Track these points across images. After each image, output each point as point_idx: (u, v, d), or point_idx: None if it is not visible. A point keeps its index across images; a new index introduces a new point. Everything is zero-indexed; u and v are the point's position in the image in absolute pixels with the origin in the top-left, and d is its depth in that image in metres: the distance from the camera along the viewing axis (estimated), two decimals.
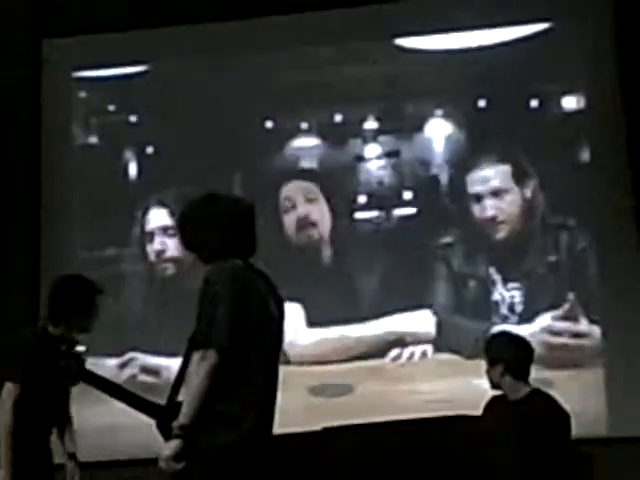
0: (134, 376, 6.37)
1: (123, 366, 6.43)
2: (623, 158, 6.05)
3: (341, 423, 5.17)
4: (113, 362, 6.43)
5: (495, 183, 6.35)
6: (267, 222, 6.09)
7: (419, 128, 6.54)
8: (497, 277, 6.27)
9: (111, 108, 6.91)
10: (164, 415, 3.48)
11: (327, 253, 6.52)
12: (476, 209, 6.36)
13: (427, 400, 5.99)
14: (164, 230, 6.59)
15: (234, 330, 3.35)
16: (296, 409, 5.75)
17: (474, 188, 6.37)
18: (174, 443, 3.30)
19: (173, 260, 6.52)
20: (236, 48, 6.64)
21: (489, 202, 6.33)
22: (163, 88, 6.75)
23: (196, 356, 3.34)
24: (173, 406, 3.47)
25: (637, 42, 5.99)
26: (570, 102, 6.38)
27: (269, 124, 6.69)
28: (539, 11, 6.34)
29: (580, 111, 6.33)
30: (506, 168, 6.35)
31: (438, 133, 6.54)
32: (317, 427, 5.35)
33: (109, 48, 6.78)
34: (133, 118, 6.84)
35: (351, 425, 5.27)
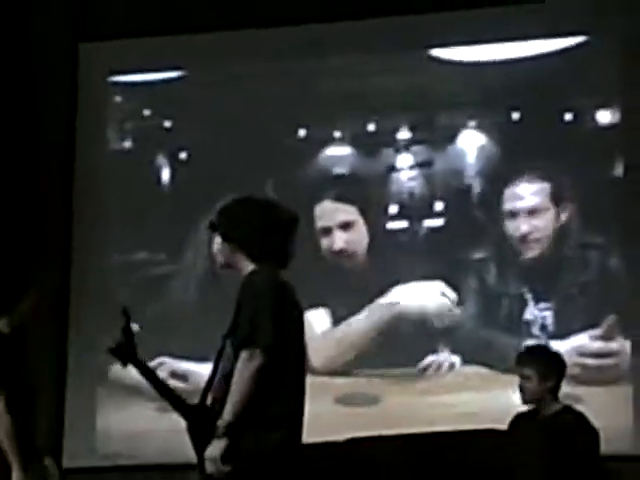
0: (163, 380, 6.38)
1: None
2: None
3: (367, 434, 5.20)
4: None
5: (532, 201, 6.30)
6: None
7: (452, 139, 6.53)
8: (529, 296, 6.23)
9: (146, 113, 6.95)
10: (197, 416, 3.46)
11: (361, 262, 6.52)
12: (510, 226, 6.32)
13: (454, 413, 5.97)
14: None
15: (277, 331, 3.36)
16: (322, 418, 5.76)
17: (510, 204, 6.33)
18: (221, 442, 3.28)
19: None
20: (272, 56, 6.66)
21: (524, 220, 6.28)
22: (198, 94, 6.79)
23: (243, 355, 3.33)
24: (204, 408, 3.46)
25: None
26: (604, 116, 6.35)
27: (302, 132, 6.71)
28: (574, 24, 6.32)
29: (614, 125, 6.30)
30: (545, 186, 6.31)
31: (471, 144, 6.52)
32: (342, 437, 5.39)
33: (145, 53, 6.84)
34: (167, 123, 6.88)
35: (376, 436, 5.29)
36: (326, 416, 5.95)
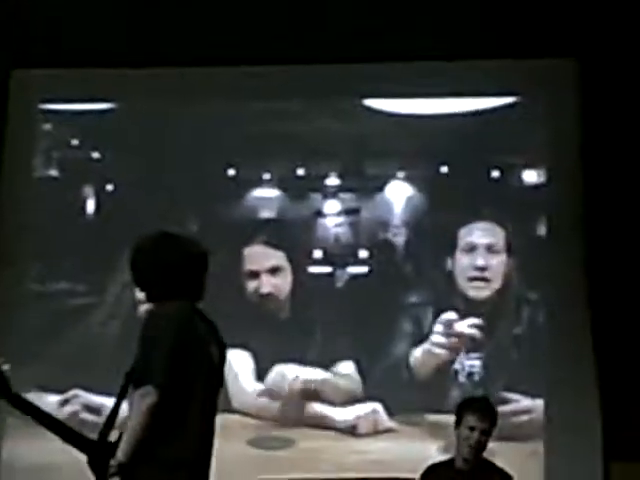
0: (75, 413, 6.29)
1: (65, 403, 6.35)
2: (579, 234, 6.10)
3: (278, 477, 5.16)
4: (55, 398, 6.34)
5: (491, 239, 6.35)
6: (224, 270, 6.09)
7: (380, 188, 6.58)
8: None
9: (74, 143, 6.88)
10: (96, 451, 3.42)
11: (284, 306, 6.50)
12: (464, 261, 6.34)
13: (369, 460, 5.95)
14: None
15: (173, 371, 3.33)
16: (234, 460, 5.71)
17: (469, 238, 6.36)
18: None
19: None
20: (205, 94, 6.65)
21: (482, 254, 6.32)
22: (128, 127, 6.74)
23: (137, 393, 3.32)
24: (104, 443, 3.42)
25: (601, 122, 6.07)
26: (531, 176, 6.44)
27: (231, 172, 6.70)
28: (506, 84, 6.42)
29: (540, 185, 6.39)
30: (500, 231, 6.37)
31: (399, 194, 6.57)
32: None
33: (78, 83, 6.76)
34: (95, 154, 6.82)
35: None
36: (238, 458, 5.90)
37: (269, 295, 6.46)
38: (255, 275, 6.50)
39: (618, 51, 6.06)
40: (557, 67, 6.30)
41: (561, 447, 5.94)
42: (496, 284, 6.30)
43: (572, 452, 5.91)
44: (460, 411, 4.63)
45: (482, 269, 6.31)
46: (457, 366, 6.23)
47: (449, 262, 6.36)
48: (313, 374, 6.27)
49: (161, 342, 3.34)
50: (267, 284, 6.47)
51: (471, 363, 6.20)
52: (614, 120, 6.03)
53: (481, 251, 6.34)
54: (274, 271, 6.50)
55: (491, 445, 4.65)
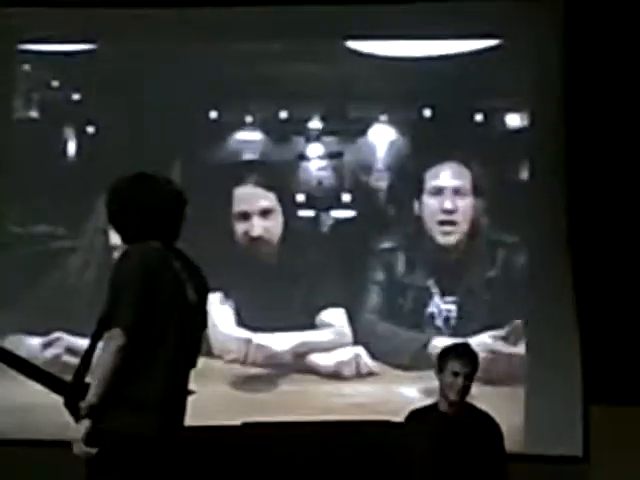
0: (58, 356, 6.30)
1: (47, 345, 6.35)
2: (561, 179, 6.10)
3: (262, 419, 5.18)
4: (37, 341, 6.35)
5: (458, 182, 6.34)
6: (207, 214, 6.09)
7: (363, 132, 6.55)
8: (435, 289, 6.28)
9: (55, 84, 6.81)
10: (71, 393, 3.43)
11: (274, 252, 6.49)
12: (431, 203, 6.32)
13: (352, 403, 5.99)
14: None
15: (141, 312, 3.33)
16: (216, 402, 5.73)
17: (435, 181, 6.34)
18: (83, 424, 3.27)
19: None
20: (187, 36, 6.57)
21: (449, 197, 6.31)
22: (110, 69, 6.67)
23: (105, 336, 3.33)
24: (80, 385, 3.42)
25: (585, 64, 6.04)
26: (514, 119, 6.43)
27: (213, 114, 6.65)
28: (489, 27, 6.37)
29: (523, 129, 6.38)
30: (467, 173, 6.35)
31: (381, 138, 6.54)
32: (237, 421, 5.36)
33: (58, 23, 6.67)
34: (76, 96, 6.74)
35: (271, 422, 5.28)
36: (221, 400, 5.93)
37: (260, 239, 6.42)
38: (246, 217, 6.45)
39: None
40: (541, 9, 6.25)
41: (541, 390, 5.99)
42: (463, 228, 6.30)
43: (552, 395, 5.97)
44: (443, 357, 4.68)
45: (450, 212, 6.29)
46: (433, 309, 6.25)
47: (416, 206, 6.35)
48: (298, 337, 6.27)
49: (128, 284, 3.35)
50: (258, 227, 6.42)
51: (447, 307, 6.23)
52: (599, 64, 5.98)
53: (448, 194, 6.32)
54: (265, 213, 6.44)
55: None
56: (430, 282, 6.29)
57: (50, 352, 6.32)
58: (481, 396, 5.55)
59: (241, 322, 6.35)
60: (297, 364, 6.29)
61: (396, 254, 6.36)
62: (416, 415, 4.72)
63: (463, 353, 4.67)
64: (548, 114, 6.21)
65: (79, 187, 6.58)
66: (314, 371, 6.26)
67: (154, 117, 6.57)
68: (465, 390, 4.61)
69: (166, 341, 3.39)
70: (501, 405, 5.69)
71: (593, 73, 5.99)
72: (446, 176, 6.36)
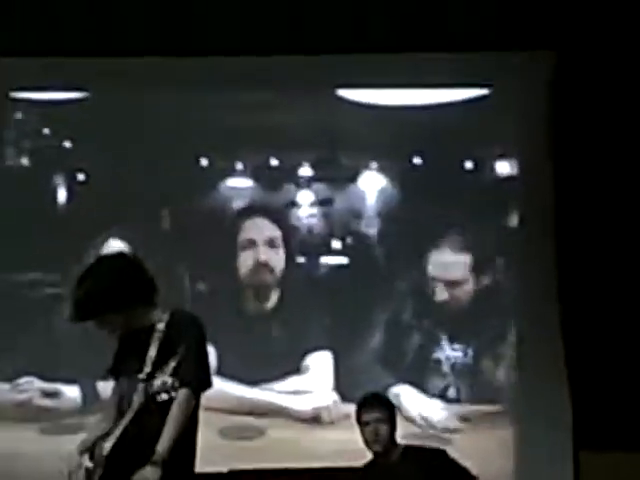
0: (31, 399, 6.31)
1: (18, 389, 6.35)
2: (550, 225, 6.12)
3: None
4: (6, 386, 6.36)
5: (453, 275, 6.39)
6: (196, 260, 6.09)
7: (353, 179, 6.57)
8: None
9: (46, 132, 6.84)
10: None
11: (274, 283, 6.51)
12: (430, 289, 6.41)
13: (340, 449, 5.97)
14: None
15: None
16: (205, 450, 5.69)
17: (434, 272, 6.41)
18: (153, 473, 3.37)
19: None
20: (177, 84, 6.59)
21: (442, 287, 6.38)
22: (100, 117, 6.69)
23: (186, 393, 3.47)
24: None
25: (572, 114, 6.08)
26: (503, 167, 6.46)
27: (204, 162, 6.67)
28: (479, 76, 6.41)
29: (512, 177, 6.41)
30: (466, 259, 6.40)
31: (371, 186, 6.57)
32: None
33: (49, 72, 6.67)
34: (67, 144, 6.77)
35: (257, 469, 5.30)
36: (210, 449, 5.88)
37: (266, 265, 6.48)
38: (253, 244, 6.51)
39: (592, 44, 6.05)
40: (530, 59, 6.29)
41: (532, 435, 5.98)
42: (463, 303, 6.38)
43: (542, 440, 5.94)
44: (356, 413, 4.70)
45: (445, 302, 6.37)
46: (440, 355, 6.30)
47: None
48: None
49: (205, 347, 3.56)
50: (264, 254, 6.48)
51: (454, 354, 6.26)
52: (586, 113, 6.04)
53: (441, 285, 6.39)
54: (271, 243, 6.52)
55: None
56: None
57: (22, 395, 6.32)
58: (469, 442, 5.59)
59: (222, 370, 6.30)
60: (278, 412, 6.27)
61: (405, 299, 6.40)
62: (366, 469, 4.71)
63: (366, 402, 4.69)
64: (537, 162, 6.23)
65: (72, 234, 6.58)
66: (293, 417, 6.24)
67: (144, 165, 6.59)
68: (382, 433, 4.58)
69: None
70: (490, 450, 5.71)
71: (582, 122, 6.04)
72: (441, 268, 6.41)
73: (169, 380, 3.49)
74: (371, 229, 6.55)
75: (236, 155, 6.65)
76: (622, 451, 5.68)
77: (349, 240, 6.54)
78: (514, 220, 6.35)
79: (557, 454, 5.90)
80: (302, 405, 6.27)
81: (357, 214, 6.56)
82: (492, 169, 6.50)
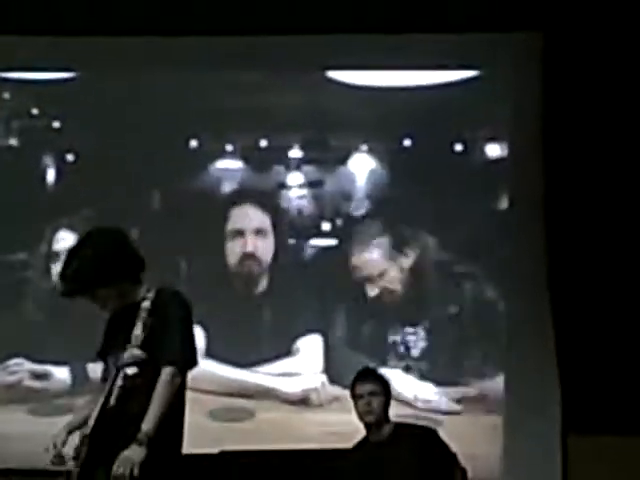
0: (20, 380, 6.31)
1: (7, 370, 6.36)
2: (540, 210, 6.13)
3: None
4: None
5: (376, 268, 6.39)
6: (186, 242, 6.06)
7: (343, 161, 6.56)
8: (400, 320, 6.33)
9: (35, 112, 6.80)
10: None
11: (262, 274, 6.50)
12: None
13: (327, 431, 6.00)
14: None
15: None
16: (194, 431, 5.70)
17: (361, 273, 6.43)
18: (139, 451, 3.32)
19: None
20: (168, 65, 6.57)
21: (373, 283, 6.39)
22: (90, 97, 6.66)
23: (169, 371, 3.41)
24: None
25: (563, 97, 6.08)
26: (493, 149, 6.46)
27: (194, 143, 6.65)
28: (469, 57, 6.40)
29: (502, 159, 6.41)
30: (383, 241, 6.41)
31: (362, 167, 6.56)
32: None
33: (38, 51, 6.63)
34: (56, 124, 6.74)
35: (249, 450, 5.31)
36: (199, 430, 5.89)
37: (253, 255, 6.45)
38: (241, 234, 6.48)
39: (581, 25, 6.05)
40: (520, 41, 6.28)
41: (520, 420, 5.99)
42: (397, 291, 6.39)
43: (530, 424, 5.95)
44: (350, 388, 4.70)
45: (379, 296, 6.39)
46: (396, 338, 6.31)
47: None
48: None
49: (190, 323, 3.52)
50: (251, 244, 6.45)
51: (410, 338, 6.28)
52: (576, 95, 6.04)
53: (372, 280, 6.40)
54: (259, 232, 6.49)
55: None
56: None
57: (12, 377, 6.33)
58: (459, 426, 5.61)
59: (211, 352, 6.31)
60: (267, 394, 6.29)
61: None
62: (355, 449, 4.70)
63: (360, 376, 4.68)
64: (527, 144, 6.23)
65: (59, 215, 6.57)
66: (282, 398, 6.26)
67: (133, 145, 6.57)
68: (374, 406, 4.57)
69: None
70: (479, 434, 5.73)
71: (572, 104, 6.04)
72: (365, 266, 6.42)
73: (138, 352, 3.45)
74: (360, 210, 6.55)
75: (226, 137, 6.62)
76: (610, 435, 5.70)
77: (339, 222, 6.53)
78: (504, 203, 6.35)
79: (545, 438, 5.91)
80: (291, 387, 6.29)
81: (347, 196, 6.55)
82: (482, 152, 6.49)
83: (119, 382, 3.42)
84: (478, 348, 6.23)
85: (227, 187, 6.66)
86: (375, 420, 4.58)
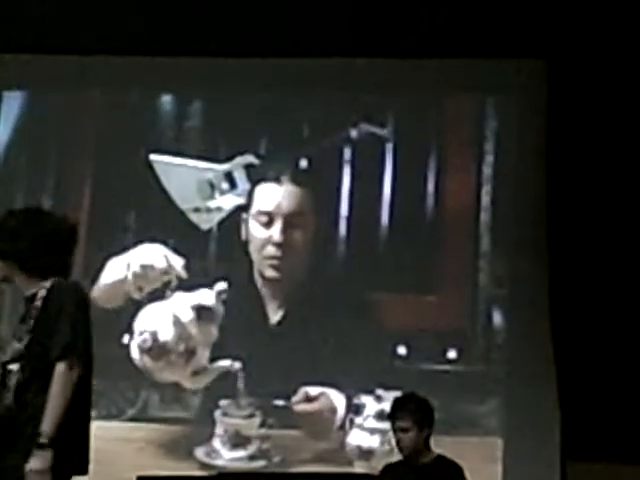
0: None
1: None
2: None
3: None
4: None
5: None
6: None
7: None
8: None
9: None
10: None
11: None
12: None
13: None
14: None
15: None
16: None
17: None
18: (45, 454, 3.15)
19: None
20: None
21: None
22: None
23: (62, 366, 3.22)
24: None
25: (566, 123, 6.10)
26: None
27: None
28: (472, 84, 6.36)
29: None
30: None
31: None
32: None
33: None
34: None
35: (246, 473, 5.19)
36: None
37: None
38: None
39: (584, 53, 6.08)
40: (523, 68, 6.28)
41: (520, 445, 5.92)
42: None
43: (531, 450, 5.89)
44: (392, 415, 4.62)
45: None
46: None
47: None
48: None
49: (80, 315, 3.33)
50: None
51: None
52: (580, 122, 6.06)
53: None
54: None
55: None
56: None
57: None
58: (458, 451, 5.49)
59: None
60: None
61: None
62: (389, 470, 4.66)
63: (398, 406, 4.59)
64: (529, 169, 6.21)
65: None
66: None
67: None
68: (409, 445, 4.49)
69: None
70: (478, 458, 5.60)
71: (575, 131, 6.06)
72: None
73: (17, 346, 3.30)
74: None
75: None
76: (610, 462, 5.65)
77: None
78: None
79: (545, 465, 5.85)
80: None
81: None
82: None
83: (6, 380, 3.28)
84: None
85: None
86: (407, 454, 4.52)
